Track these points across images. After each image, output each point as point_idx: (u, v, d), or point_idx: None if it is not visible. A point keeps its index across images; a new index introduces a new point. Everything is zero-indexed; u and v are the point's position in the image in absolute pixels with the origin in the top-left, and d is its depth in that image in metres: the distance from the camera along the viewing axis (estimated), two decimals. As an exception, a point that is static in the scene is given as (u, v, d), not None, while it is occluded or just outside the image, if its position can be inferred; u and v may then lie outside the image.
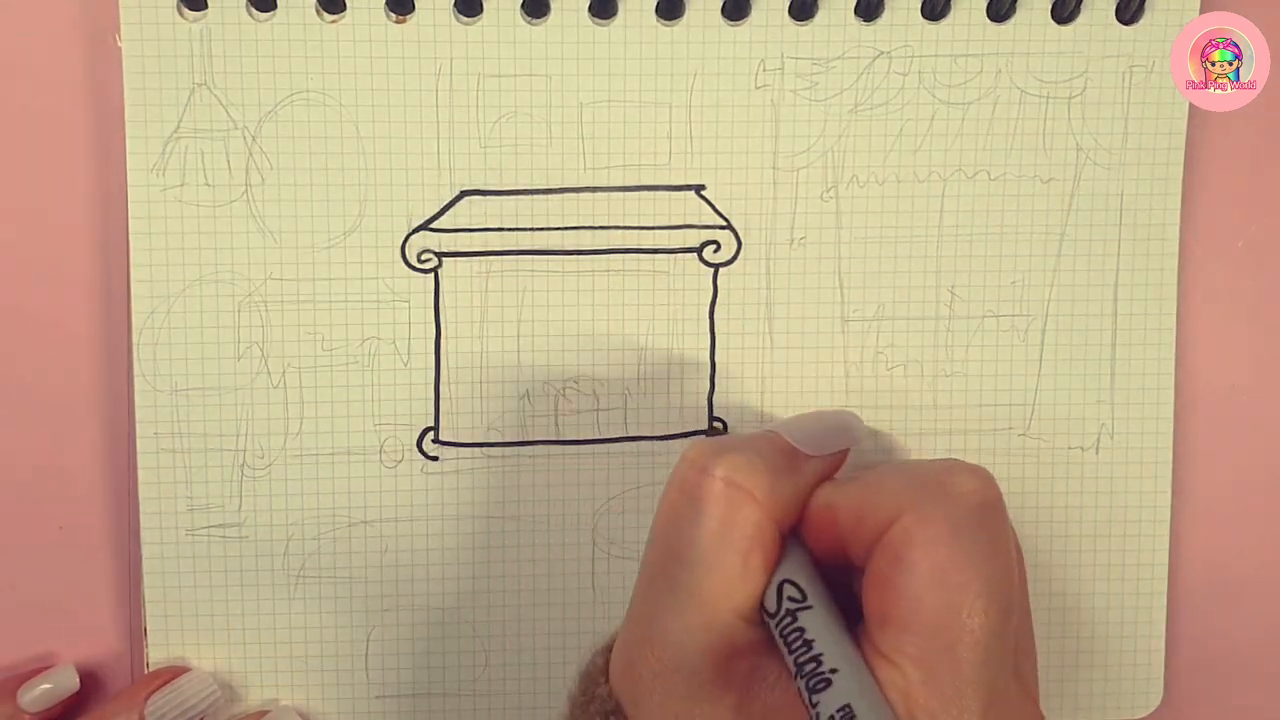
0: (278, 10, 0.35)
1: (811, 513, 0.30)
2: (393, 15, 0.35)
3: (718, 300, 0.37)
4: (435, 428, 0.37)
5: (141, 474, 0.36)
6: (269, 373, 0.36)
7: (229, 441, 0.36)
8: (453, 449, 0.37)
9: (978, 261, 0.37)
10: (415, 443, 0.37)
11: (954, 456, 0.38)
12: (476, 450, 0.37)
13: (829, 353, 0.37)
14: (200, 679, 0.36)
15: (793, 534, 0.31)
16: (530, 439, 0.37)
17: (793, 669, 0.28)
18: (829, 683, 0.27)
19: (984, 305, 0.37)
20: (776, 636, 0.29)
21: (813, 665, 0.27)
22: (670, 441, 0.37)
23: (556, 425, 0.37)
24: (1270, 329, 0.39)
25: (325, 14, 0.35)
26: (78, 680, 0.37)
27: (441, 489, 0.37)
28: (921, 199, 0.37)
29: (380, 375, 0.36)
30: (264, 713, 0.37)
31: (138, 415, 0.36)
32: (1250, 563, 0.40)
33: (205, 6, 0.34)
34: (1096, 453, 0.38)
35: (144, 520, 0.36)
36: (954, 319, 0.37)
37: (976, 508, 0.28)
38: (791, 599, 0.28)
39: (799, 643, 0.28)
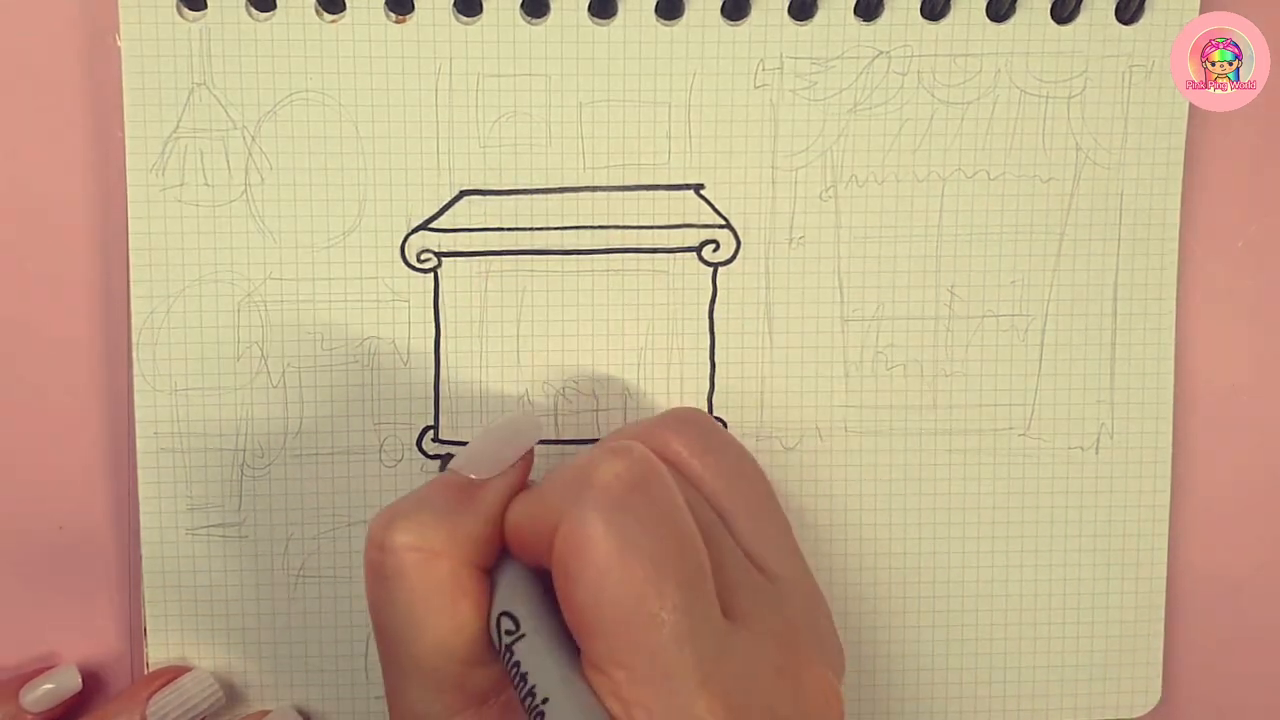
0: (277, 10, 0.35)
1: (509, 532, 0.30)
2: (392, 15, 0.35)
3: (717, 300, 0.37)
4: (435, 427, 0.37)
5: (141, 474, 0.36)
6: (269, 372, 0.36)
7: (229, 441, 0.36)
8: (453, 448, 0.37)
9: (977, 261, 0.37)
10: (415, 442, 0.37)
11: (954, 456, 0.37)
12: (476, 450, 0.37)
13: (829, 352, 0.37)
14: (202, 678, 0.36)
15: (506, 558, 0.30)
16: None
17: (521, 703, 0.27)
18: (543, 715, 0.26)
19: (984, 305, 0.37)
20: (506, 673, 0.28)
21: (530, 699, 0.27)
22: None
23: (556, 425, 0.37)
24: (1270, 329, 0.39)
25: (325, 14, 0.35)
26: (79, 680, 0.37)
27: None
28: (921, 199, 0.37)
29: (380, 375, 0.36)
30: (264, 713, 0.37)
31: (138, 415, 0.36)
32: (1249, 563, 0.40)
33: (205, 6, 0.34)
34: (1096, 453, 0.38)
35: (144, 520, 0.36)
36: (954, 319, 0.37)
37: (624, 494, 0.27)
38: (508, 632, 0.28)
39: (517, 676, 0.27)
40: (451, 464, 0.30)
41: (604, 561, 0.26)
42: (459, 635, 0.28)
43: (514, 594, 0.29)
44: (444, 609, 0.28)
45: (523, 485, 0.31)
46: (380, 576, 0.29)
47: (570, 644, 0.28)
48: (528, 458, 0.31)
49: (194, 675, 0.36)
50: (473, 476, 0.30)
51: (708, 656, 0.26)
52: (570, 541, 0.26)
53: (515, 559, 0.30)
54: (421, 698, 0.29)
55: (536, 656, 0.27)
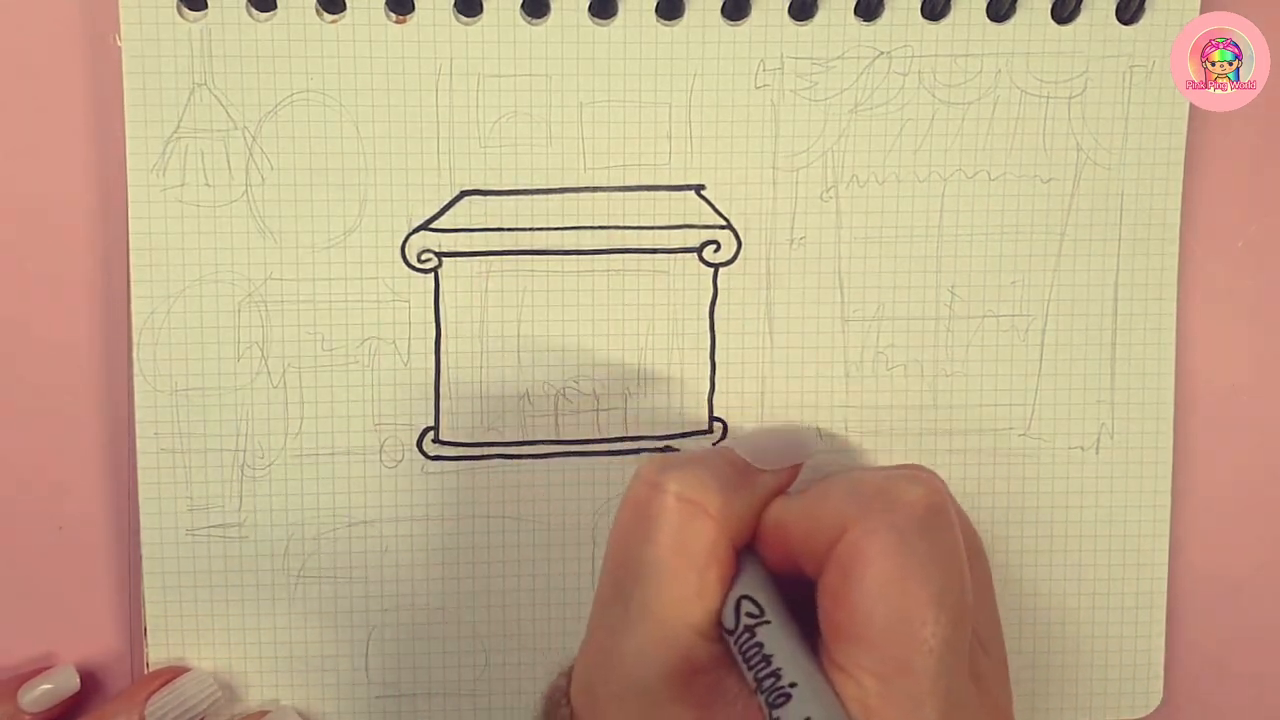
0: (278, 10, 0.35)
1: (765, 528, 0.30)
2: (393, 15, 0.35)
3: (718, 300, 0.37)
4: (435, 427, 0.37)
5: (141, 474, 0.36)
6: (269, 373, 0.36)
7: (229, 441, 0.36)
8: (453, 449, 0.37)
9: (978, 261, 0.37)
10: (415, 442, 0.37)
11: (954, 456, 0.38)
12: (476, 450, 0.37)
13: (829, 352, 0.37)
14: (201, 679, 0.36)
15: (748, 549, 0.30)
16: (530, 439, 0.37)
17: (753, 684, 0.28)
18: (788, 696, 0.27)
19: (984, 305, 0.37)
20: (735, 653, 0.29)
21: (772, 680, 0.27)
22: (670, 442, 0.37)
23: (556, 425, 0.37)
24: (1270, 329, 0.39)
25: (325, 14, 0.35)
26: (78, 680, 0.37)
27: (441, 489, 0.37)
28: (921, 199, 0.37)
29: (380, 375, 0.36)
30: (264, 713, 0.37)
31: (138, 415, 0.36)
32: (1250, 563, 0.40)
33: (205, 6, 0.34)
34: (1097, 453, 0.38)
35: (144, 520, 0.36)
36: (954, 319, 0.37)
37: (923, 516, 0.28)
38: (750, 614, 0.28)
39: (758, 658, 0.28)
40: (733, 443, 0.31)
41: (894, 573, 0.27)
42: (700, 600, 0.28)
43: (756, 582, 0.29)
44: (696, 569, 0.28)
45: (785, 490, 0.31)
46: (644, 515, 0.29)
47: (808, 644, 0.28)
48: (798, 468, 0.32)
49: (193, 676, 0.36)
50: (751, 461, 0.30)
51: (953, 698, 0.27)
52: (860, 546, 0.27)
53: (753, 553, 0.30)
54: (641, 650, 0.29)
55: (782, 644, 0.28)
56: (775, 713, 0.27)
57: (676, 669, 0.28)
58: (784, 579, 0.30)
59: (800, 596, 0.30)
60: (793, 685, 0.27)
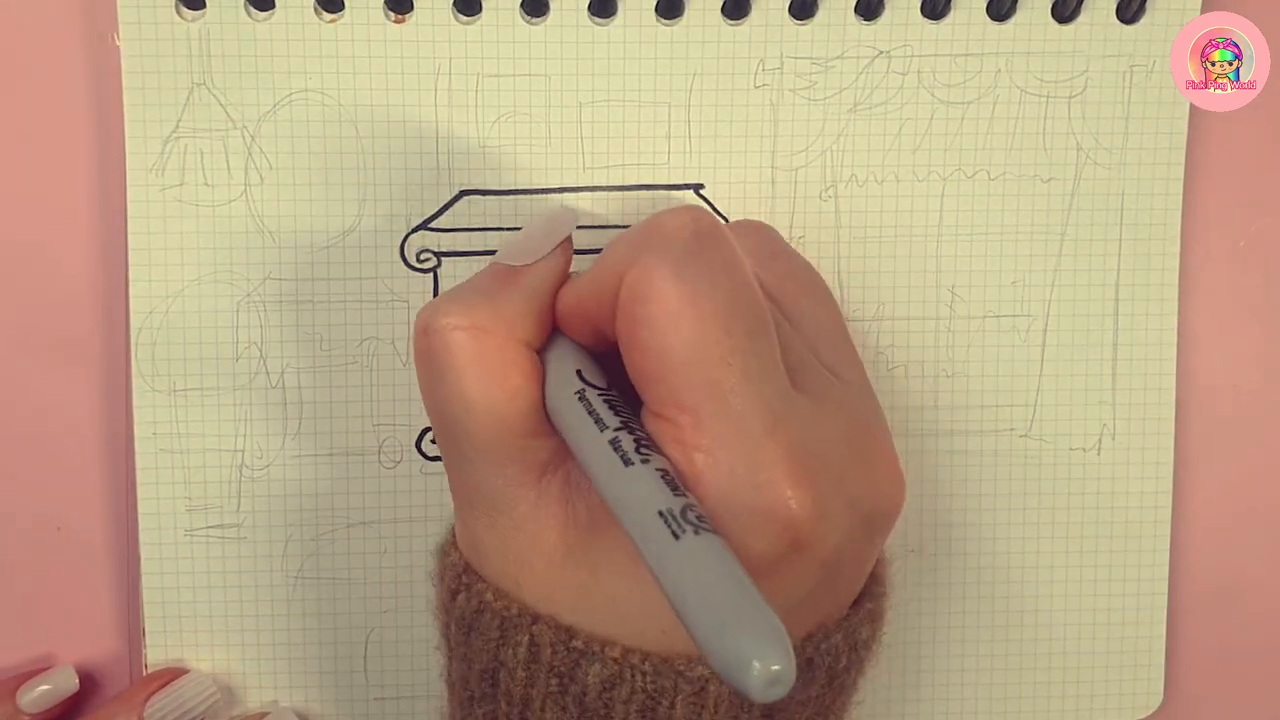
0: (276, 10, 0.35)
1: (564, 311, 0.30)
2: (391, 15, 0.35)
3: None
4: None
5: (140, 474, 0.36)
6: (268, 373, 0.36)
7: (227, 442, 0.36)
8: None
9: (978, 261, 0.37)
10: (414, 443, 0.37)
11: (955, 457, 0.37)
12: (476, 451, 0.37)
13: (829, 353, 0.37)
14: (200, 681, 0.36)
15: (559, 340, 0.30)
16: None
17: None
18: (617, 443, 0.26)
19: (984, 305, 0.37)
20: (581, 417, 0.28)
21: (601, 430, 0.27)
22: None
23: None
24: (1272, 329, 0.39)
25: (324, 13, 0.35)
26: (77, 681, 0.37)
27: (441, 489, 0.37)
28: (921, 199, 0.37)
29: (379, 375, 0.36)
30: (264, 715, 0.37)
31: (136, 415, 0.36)
32: (1251, 563, 0.40)
33: (204, 6, 0.34)
34: (1098, 454, 0.38)
35: (143, 521, 0.36)
36: (954, 319, 0.37)
37: (690, 239, 0.27)
38: (577, 391, 0.28)
39: (587, 421, 0.27)
40: (496, 258, 0.31)
41: (674, 303, 0.26)
42: (511, 405, 0.28)
43: (573, 363, 0.29)
44: (495, 381, 0.28)
45: (566, 271, 0.31)
46: (429, 360, 0.29)
47: (632, 401, 0.28)
48: (568, 245, 0.31)
49: (192, 678, 0.36)
50: (515, 264, 0.30)
51: (775, 407, 0.26)
52: (636, 289, 0.26)
53: (567, 339, 0.30)
54: (483, 475, 0.29)
55: (606, 403, 0.27)
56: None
57: (521, 479, 0.29)
58: (604, 356, 0.30)
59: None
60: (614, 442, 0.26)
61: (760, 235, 0.33)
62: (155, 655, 0.36)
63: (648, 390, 0.27)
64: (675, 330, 0.26)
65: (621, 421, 0.27)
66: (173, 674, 0.36)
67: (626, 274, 0.27)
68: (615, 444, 0.26)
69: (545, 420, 0.29)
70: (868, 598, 0.30)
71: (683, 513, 0.24)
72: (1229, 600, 0.40)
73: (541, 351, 0.30)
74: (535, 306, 0.29)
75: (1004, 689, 0.38)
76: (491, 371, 0.28)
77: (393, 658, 0.37)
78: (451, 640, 0.30)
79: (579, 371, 0.28)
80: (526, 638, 0.28)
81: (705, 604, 0.22)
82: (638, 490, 0.25)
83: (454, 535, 0.31)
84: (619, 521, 0.25)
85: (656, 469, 0.25)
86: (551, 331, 0.30)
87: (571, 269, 0.31)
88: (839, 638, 0.29)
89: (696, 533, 0.24)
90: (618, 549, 0.27)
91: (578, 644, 0.27)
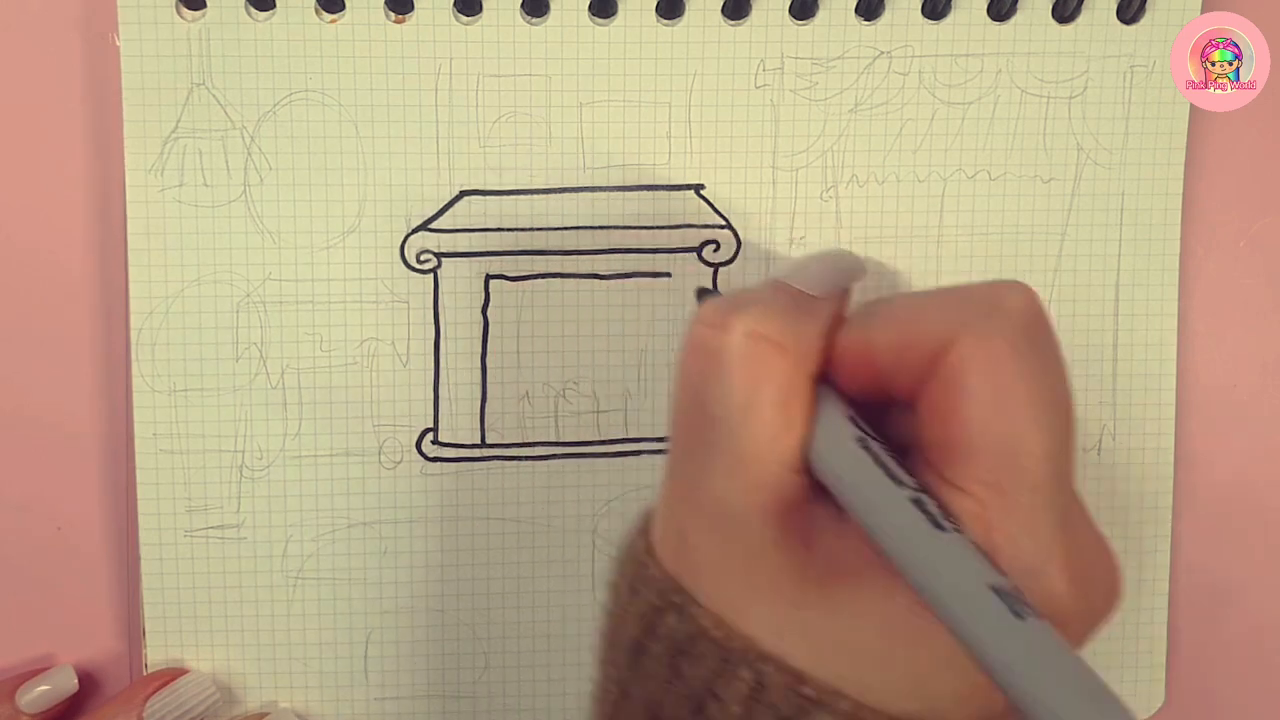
0: (276, 10, 0.35)
1: (844, 353, 0.29)
2: (392, 15, 0.35)
3: (718, 300, 0.37)
4: (434, 429, 0.37)
5: (140, 475, 0.36)
6: (268, 373, 0.36)
7: (228, 442, 0.36)
8: (452, 450, 0.37)
9: (978, 261, 0.37)
10: (414, 444, 0.37)
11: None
12: (476, 451, 0.37)
13: (829, 353, 0.37)
14: (199, 681, 0.36)
15: (823, 380, 0.29)
16: (530, 440, 0.37)
17: (868, 505, 0.27)
18: (921, 503, 0.26)
19: (984, 305, 0.37)
20: (838, 476, 0.27)
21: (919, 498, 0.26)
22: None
23: (556, 427, 0.37)
24: (1272, 329, 0.39)
25: (324, 13, 0.35)
26: (76, 681, 0.37)
27: (441, 490, 0.37)
28: (921, 199, 0.37)
29: (379, 376, 0.36)
30: (263, 715, 0.37)
31: (136, 416, 0.36)
32: (1251, 563, 0.40)
33: (204, 6, 0.34)
34: (1098, 454, 0.38)
35: (143, 521, 0.36)
36: (954, 319, 0.37)
37: (1030, 324, 0.27)
38: (856, 438, 0.27)
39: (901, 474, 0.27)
40: (782, 275, 0.30)
41: (1009, 382, 0.26)
42: (787, 435, 0.27)
43: (844, 404, 0.28)
44: (778, 404, 0.27)
45: (844, 314, 0.30)
46: (714, 358, 0.28)
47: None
48: (849, 292, 0.30)
49: (191, 678, 0.36)
50: (806, 290, 0.29)
51: (1068, 504, 0.26)
52: (972, 357, 0.26)
53: (831, 386, 0.29)
54: (733, 490, 0.28)
55: (892, 460, 0.27)
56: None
57: (771, 508, 0.27)
58: (861, 406, 0.29)
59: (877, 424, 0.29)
60: (920, 492, 0.26)
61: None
62: (155, 655, 0.36)
63: (955, 462, 0.26)
64: (1003, 411, 0.26)
65: (917, 483, 0.26)
66: (172, 674, 0.36)
67: (959, 340, 0.26)
68: (919, 504, 0.26)
69: (804, 462, 0.28)
70: None
71: (1015, 592, 0.24)
72: (1229, 600, 0.40)
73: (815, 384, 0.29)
74: (825, 341, 0.29)
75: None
76: (779, 394, 0.27)
77: (393, 658, 0.37)
78: (648, 660, 0.28)
79: (852, 418, 0.28)
80: (751, 675, 0.27)
81: (1061, 685, 0.23)
82: (957, 559, 0.25)
83: (647, 541, 0.29)
84: (915, 584, 0.25)
85: (970, 541, 0.25)
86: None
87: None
88: None
89: (1039, 616, 0.24)
90: (868, 601, 0.26)
91: (809, 691, 0.26)
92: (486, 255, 0.36)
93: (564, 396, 0.37)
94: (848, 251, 0.32)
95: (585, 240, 0.36)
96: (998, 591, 0.24)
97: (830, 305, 0.29)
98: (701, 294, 0.36)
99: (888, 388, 0.28)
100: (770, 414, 0.27)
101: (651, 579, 0.28)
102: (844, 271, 0.30)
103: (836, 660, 0.26)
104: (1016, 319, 0.27)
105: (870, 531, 0.26)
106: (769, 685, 0.26)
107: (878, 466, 0.27)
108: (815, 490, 0.28)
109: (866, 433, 0.27)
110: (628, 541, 0.30)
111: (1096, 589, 0.27)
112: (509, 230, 0.36)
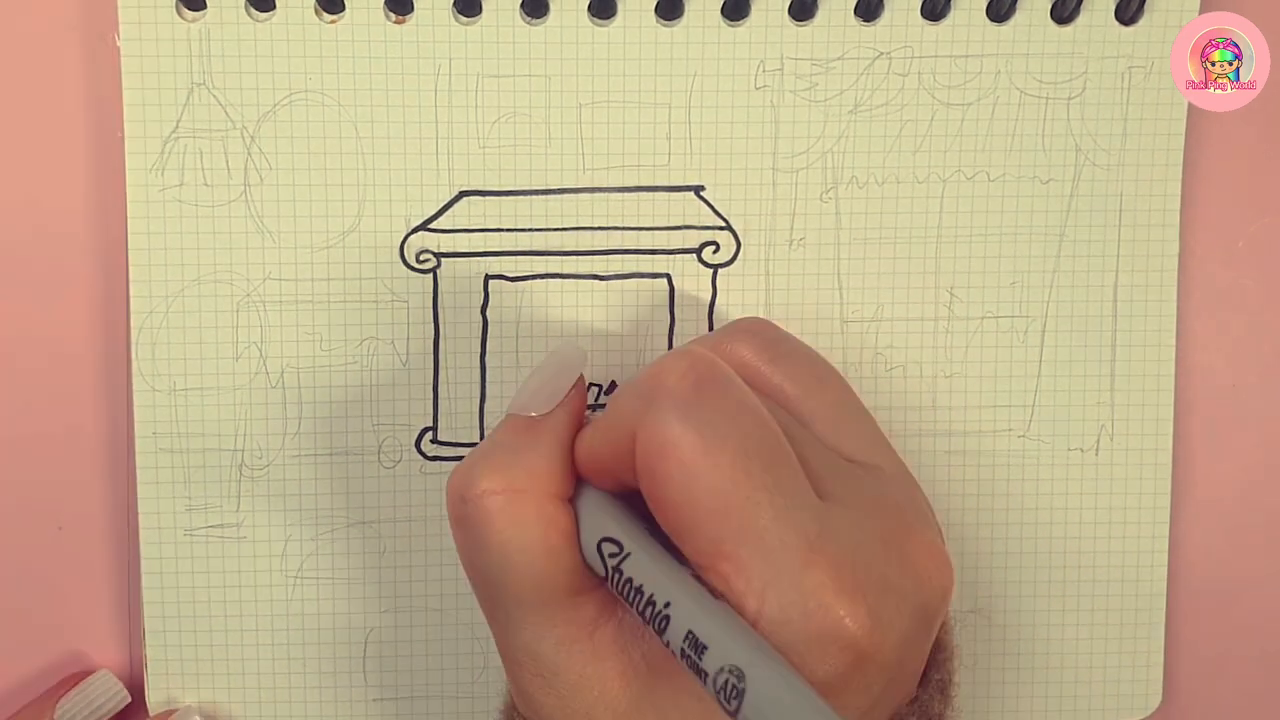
0: (276, 10, 0.35)
1: (582, 462, 0.30)
2: (392, 15, 0.35)
3: (717, 301, 0.37)
4: (434, 428, 0.37)
5: (140, 474, 0.36)
6: (267, 373, 0.36)
7: (227, 442, 0.36)
8: (451, 449, 0.37)
9: (977, 262, 0.37)
10: (414, 443, 0.37)
11: (953, 457, 0.37)
12: (475, 451, 0.37)
13: (828, 353, 0.37)
14: (107, 680, 0.37)
15: (586, 490, 0.30)
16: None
17: (641, 621, 0.27)
18: (667, 619, 0.26)
19: (983, 306, 0.37)
20: (617, 596, 0.28)
21: (650, 609, 0.26)
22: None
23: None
24: (1271, 329, 0.39)
25: (324, 14, 0.35)
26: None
27: (440, 490, 0.37)
28: (921, 200, 0.37)
29: (379, 375, 0.36)
30: (170, 712, 0.37)
31: (136, 415, 0.36)
32: (1250, 563, 0.40)
33: (204, 6, 0.34)
34: (1096, 454, 0.38)
35: (143, 520, 0.36)
36: (953, 320, 0.37)
37: (692, 386, 0.27)
38: (611, 555, 0.28)
39: (632, 593, 0.27)
40: (510, 408, 0.30)
41: (688, 457, 0.26)
42: (556, 565, 0.28)
43: (605, 518, 0.29)
44: (536, 542, 0.28)
45: (582, 414, 0.31)
46: (468, 526, 0.29)
47: (673, 555, 0.28)
48: (580, 387, 0.31)
49: (100, 677, 0.37)
50: (533, 414, 0.30)
51: (809, 530, 0.26)
52: (651, 446, 0.26)
53: (593, 487, 0.30)
54: (532, 636, 0.29)
55: (647, 569, 0.27)
56: (664, 638, 0.26)
57: (575, 636, 0.28)
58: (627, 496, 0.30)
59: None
60: (667, 605, 0.26)
61: (763, 336, 0.32)
62: (154, 654, 0.36)
63: (684, 544, 0.27)
64: (696, 483, 0.26)
65: (650, 592, 0.27)
66: (80, 676, 0.37)
67: (638, 432, 0.27)
68: (635, 601, 0.27)
69: (588, 574, 0.29)
70: (932, 668, 0.30)
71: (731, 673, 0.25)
72: (1228, 600, 0.40)
73: (572, 500, 0.30)
74: (562, 459, 0.30)
75: (1002, 688, 0.38)
76: (533, 533, 0.28)
77: (392, 658, 0.37)
78: None
79: (604, 540, 0.28)
80: None
81: None
82: (717, 626, 0.25)
83: (511, 700, 0.31)
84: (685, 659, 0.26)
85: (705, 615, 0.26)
86: (576, 481, 0.30)
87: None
88: (914, 719, 0.29)
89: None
90: (683, 693, 0.27)
91: None
92: (486, 255, 0.36)
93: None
94: (563, 345, 0.33)
95: (585, 241, 0.36)
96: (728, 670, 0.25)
97: (559, 416, 0.30)
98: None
99: (625, 484, 0.29)
100: (532, 559, 0.28)
101: None
102: (561, 374, 0.31)
103: None
104: (678, 387, 0.27)
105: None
106: None
107: (611, 571, 0.28)
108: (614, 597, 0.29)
109: (618, 543, 0.28)
110: (505, 700, 0.32)
111: (915, 591, 0.27)
112: (508, 231, 0.36)
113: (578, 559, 0.29)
